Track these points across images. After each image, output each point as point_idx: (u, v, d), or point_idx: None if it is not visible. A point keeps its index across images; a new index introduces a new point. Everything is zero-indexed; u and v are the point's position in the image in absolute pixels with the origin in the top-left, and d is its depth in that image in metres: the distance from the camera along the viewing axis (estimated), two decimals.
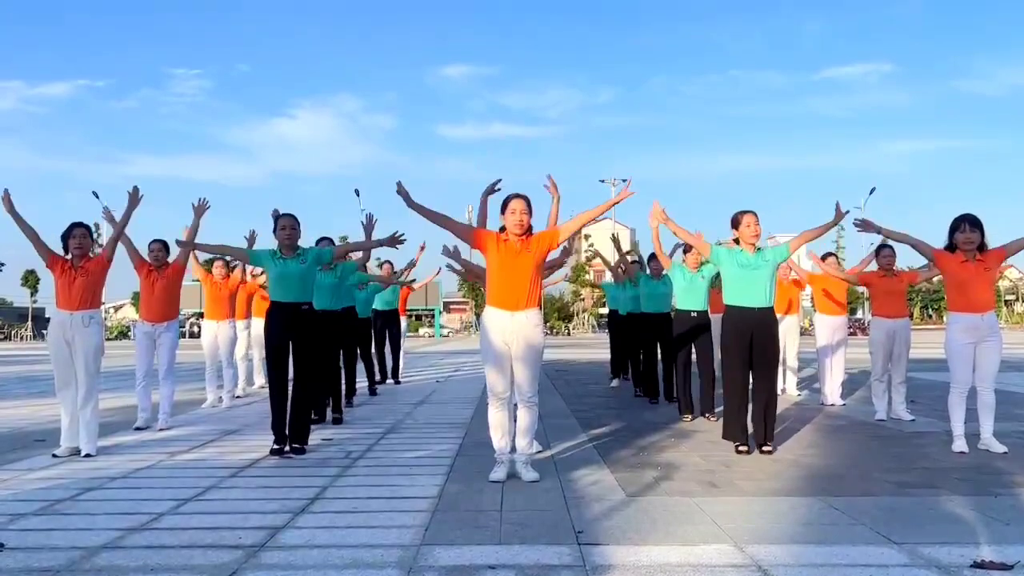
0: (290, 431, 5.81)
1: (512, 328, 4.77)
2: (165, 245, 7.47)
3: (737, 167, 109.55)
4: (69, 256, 5.93)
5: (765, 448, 5.67)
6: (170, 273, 7.37)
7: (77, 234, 5.91)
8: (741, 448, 5.69)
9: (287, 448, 5.74)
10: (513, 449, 4.88)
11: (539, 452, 5.56)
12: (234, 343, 9.36)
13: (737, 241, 5.96)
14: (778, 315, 9.39)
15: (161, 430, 7.00)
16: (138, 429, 7.01)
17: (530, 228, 4.86)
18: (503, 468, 4.81)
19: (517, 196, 4.87)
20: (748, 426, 5.82)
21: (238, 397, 9.69)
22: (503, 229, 4.93)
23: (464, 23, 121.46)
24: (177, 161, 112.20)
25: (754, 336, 5.77)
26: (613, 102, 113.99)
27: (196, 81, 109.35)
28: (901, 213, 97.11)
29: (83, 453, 5.71)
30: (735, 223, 5.93)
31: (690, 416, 7.52)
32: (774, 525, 3.77)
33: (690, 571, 3.07)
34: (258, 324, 10.07)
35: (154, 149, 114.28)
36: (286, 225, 5.98)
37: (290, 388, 5.89)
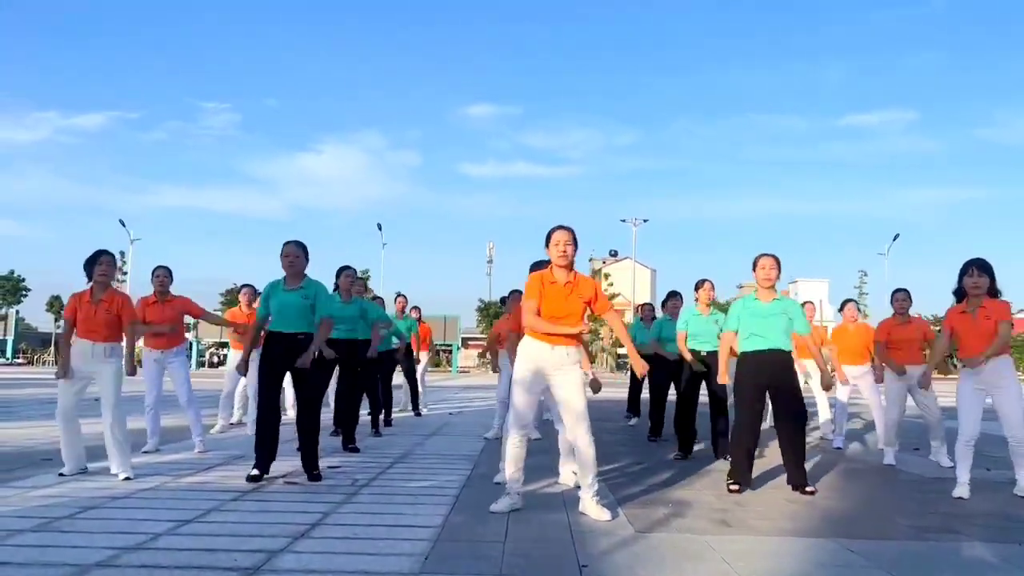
0: (303, 459, 5.80)
1: (553, 361, 4.70)
2: (169, 272, 7.43)
3: (758, 210, 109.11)
4: (91, 283, 5.86)
5: (808, 489, 5.54)
6: (176, 303, 7.36)
7: (104, 261, 5.82)
8: (733, 487, 5.58)
9: (262, 476, 5.67)
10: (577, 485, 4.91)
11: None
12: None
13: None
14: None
15: (199, 453, 7.04)
16: (146, 452, 6.96)
17: (572, 261, 4.83)
18: (507, 500, 4.71)
19: (561, 228, 4.82)
20: (751, 469, 5.76)
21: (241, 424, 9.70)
22: (545, 264, 4.96)
23: (488, 63, 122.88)
24: (202, 193, 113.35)
25: (771, 380, 5.71)
26: (634, 144, 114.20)
27: (225, 115, 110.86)
28: (924, 261, 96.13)
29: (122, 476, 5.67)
30: (754, 265, 5.93)
31: (686, 455, 7.42)
32: (786, 565, 3.63)
33: None
34: None
35: (180, 180, 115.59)
36: (288, 253, 5.90)
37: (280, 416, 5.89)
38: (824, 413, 9.28)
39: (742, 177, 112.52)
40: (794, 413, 5.71)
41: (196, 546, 3.74)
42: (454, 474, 6.12)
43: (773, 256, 5.88)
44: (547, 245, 4.85)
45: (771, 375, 5.70)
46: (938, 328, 6.77)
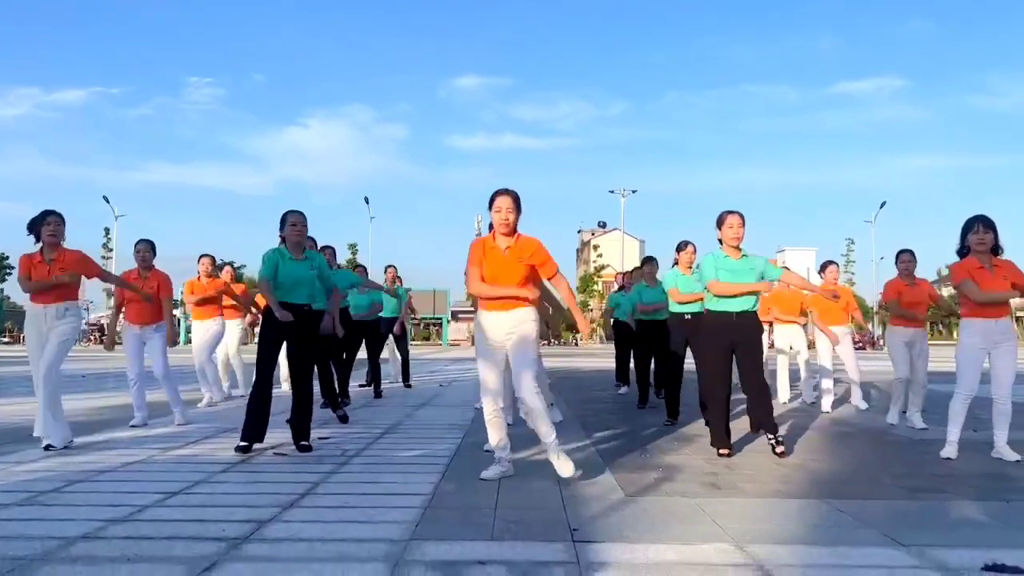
0: (295, 430, 5.75)
1: (508, 327, 4.63)
2: (152, 246, 7.32)
3: (748, 180, 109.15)
4: (40, 244, 5.76)
5: (771, 440, 5.59)
6: (158, 278, 7.25)
7: (51, 221, 5.73)
8: (723, 452, 5.60)
9: (251, 447, 5.61)
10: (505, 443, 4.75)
11: (560, 420, 5.49)
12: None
13: (720, 242, 5.84)
14: (796, 322, 9.27)
15: (180, 425, 7.05)
16: (133, 427, 6.92)
17: (515, 227, 4.72)
18: (497, 467, 4.70)
19: (503, 193, 4.70)
20: (729, 432, 5.76)
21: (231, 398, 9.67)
22: (491, 228, 4.84)
23: (476, 35, 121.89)
24: (190, 169, 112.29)
25: (735, 343, 5.67)
26: (625, 115, 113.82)
27: (209, 89, 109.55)
28: (912, 228, 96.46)
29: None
30: (719, 222, 5.82)
31: (674, 420, 7.43)
32: (777, 526, 3.63)
33: (687, 570, 2.94)
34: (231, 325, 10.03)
35: (168, 156, 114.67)
36: (296, 222, 5.81)
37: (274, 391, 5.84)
38: (804, 375, 9.47)
39: (731, 147, 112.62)
40: (759, 371, 5.72)
41: (184, 517, 3.70)
42: (444, 443, 6.11)
43: (739, 213, 5.78)
44: (489, 208, 4.72)
45: (736, 336, 5.66)
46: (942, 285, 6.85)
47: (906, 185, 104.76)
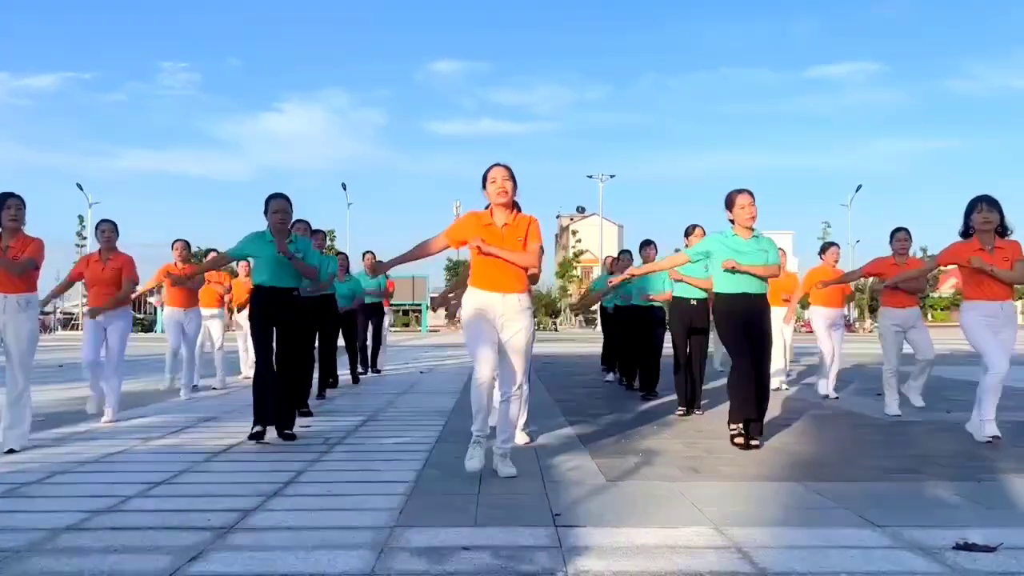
0: (277, 418, 5.64)
1: (503, 310, 4.39)
2: (115, 226, 6.90)
3: (726, 164, 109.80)
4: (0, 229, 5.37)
5: (755, 442, 5.34)
6: (121, 260, 6.80)
7: (11, 204, 5.33)
8: (738, 439, 5.33)
9: (264, 432, 5.54)
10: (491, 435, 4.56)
11: (528, 443, 5.44)
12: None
13: (732, 223, 5.54)
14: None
15: (108, 422, 6.52)
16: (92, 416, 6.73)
17: (513, 200, 4.51)
18: (479, 451, 4.41)
19: (497, 165, 4.49)
20: (761, 414, 5.44)
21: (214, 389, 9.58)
22: (487, 208, 4.58)
23: (454, 19, 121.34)
24: (166, 155, 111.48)
25: (748, 324, 5.42)
26: (603, 99, 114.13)
27: (184, 75, 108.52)
28: (889, 212, 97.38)
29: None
30: (729, 203, 5.50)
31: (685, 410, 7.08)
32: (755, 509, 3.70)
33: (668, 552, 3.00)
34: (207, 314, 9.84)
35: (143, 143, 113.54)
36: (279, 208, 5.68)
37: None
38: (778, 362, 9.47)
39: (709, 131, 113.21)
40: (763, 353, 5.48)
41: (168, 507, 3.71)
42: (426, 430, 6.14)
43: (749, 192, 5.49)
44: (484, 186, 4.49)
45: (750, 317, 5.41)
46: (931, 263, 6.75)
47: (881, 168, 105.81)
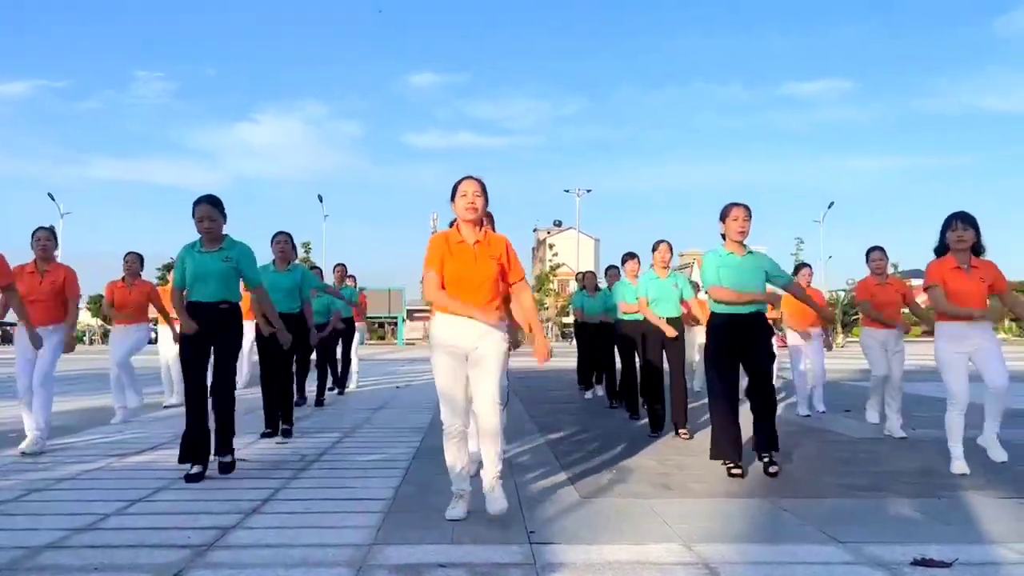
0: (217, 442, 5.16)
1: (475, 335, 3.94)
2: (53, 233, 6.38)
3: (699, 178, 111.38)
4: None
5: (766, 460, 5.14)
6: (61, 272, 6.25)
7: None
8: (735, 471, 5.06)
9: (204, 471, 4.98)
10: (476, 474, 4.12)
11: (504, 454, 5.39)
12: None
13: (724, 237, 5.35)
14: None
15: (25, 454, 5.79)
16: (24, 451, 5.86)
17: (483, 216, 4.17)
18: (462, 503, 3.99)
19: (468, 178, 4.10)
20: (740, 443, 5.22)
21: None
22: (453, 223, 4.22)
23: (432, 32, 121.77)
24: (138, 164, 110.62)
25: (745, 345, 5.21)
26: (580, 113, 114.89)
27: (159, 83, 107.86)
28: (861, 229, 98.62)
29: None
30: (723, 215, 5.31)
31: (659, 431, 6.98)
32: (723, 525, 3.81)
33: (639, 568, 3.10)
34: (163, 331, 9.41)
35: (115, 151, 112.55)
36: (203, 216, 5.09)
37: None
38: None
39: (684, 146, 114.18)
40: (765, 373, 5.27)
41: (147, 525, 3.76)
42: (403, 447, 6.20)
43: (745, 205, 5.27)
44: (452, 199, 4.11)
45: (745, 338, 5.21)
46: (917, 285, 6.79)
47: (853, 186, 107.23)
